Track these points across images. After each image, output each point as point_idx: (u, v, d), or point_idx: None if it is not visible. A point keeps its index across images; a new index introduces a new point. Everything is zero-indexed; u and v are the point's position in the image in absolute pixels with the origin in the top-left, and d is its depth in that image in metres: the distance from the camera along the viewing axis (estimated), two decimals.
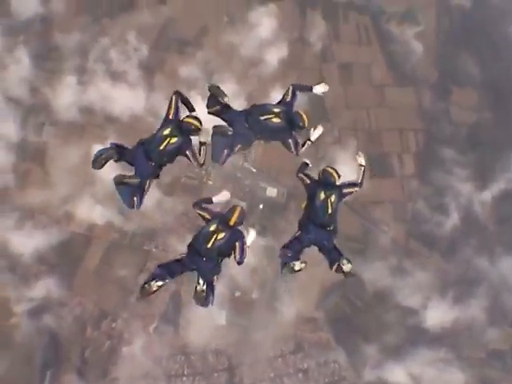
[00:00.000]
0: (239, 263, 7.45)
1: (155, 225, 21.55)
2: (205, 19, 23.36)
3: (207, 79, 22.34)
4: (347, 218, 22.15)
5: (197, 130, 7.51)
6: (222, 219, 7.34)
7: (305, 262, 7.49)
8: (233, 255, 7.49)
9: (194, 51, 23.16)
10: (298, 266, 7.43)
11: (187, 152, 7.55)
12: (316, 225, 7.70)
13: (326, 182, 7.68)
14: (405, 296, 21.63)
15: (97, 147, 20.54)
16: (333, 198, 7.66)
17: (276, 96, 22.13)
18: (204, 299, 7.52)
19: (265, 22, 23.26)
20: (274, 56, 23.09)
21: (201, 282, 7.52)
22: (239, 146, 7.73)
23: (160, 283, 7.49)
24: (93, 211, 21.50)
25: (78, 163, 21.49)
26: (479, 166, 22.46)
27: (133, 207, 7.46)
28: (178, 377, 21.43)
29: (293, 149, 7.82)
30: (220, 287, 21.17)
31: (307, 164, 8.19)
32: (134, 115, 22.38)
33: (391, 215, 22.42)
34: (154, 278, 7.54)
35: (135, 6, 23.13)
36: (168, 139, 7.43)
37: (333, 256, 7.71)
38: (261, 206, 22.48)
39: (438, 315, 21.23)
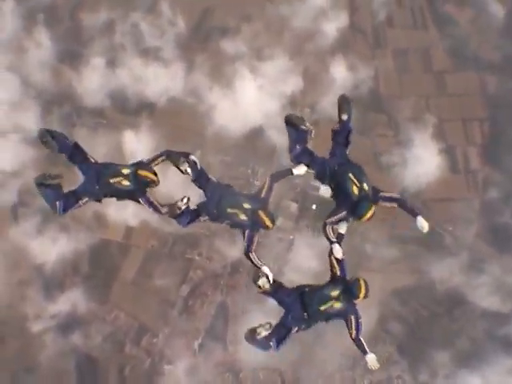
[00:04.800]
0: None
1: (198, 229, 19.12)
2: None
3: (255, 55, 20.15)
4: (407, 218, 19.99)
5: (153, 183, 7.17)
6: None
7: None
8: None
9: (239, 24, 20.98)
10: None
11: (140, 200, 7.31)
12: (301, 308, 7.10)
13: (349, 289, 6.91)
14: (481, 297, 19.57)
15: (129, 136, 18.45)
16: (338, 305, 6.96)
17: (335, 70, 20.35)
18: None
19: None
20: (332, 25, 21.02)
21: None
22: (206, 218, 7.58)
23: None
24: (125, 210, 19.15)
25: (108, 155, 19.01)
26: None
27: (55, 211, 7.30)
28: None
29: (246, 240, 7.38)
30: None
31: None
32: (171, 98, 20.28)
33: (457, 213, 20.26)
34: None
35: None
36: (121, 179, 7.15)
37: None
38: (314, 207, 20.23)
39: None
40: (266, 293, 7.38)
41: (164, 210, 7.44)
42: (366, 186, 7.18)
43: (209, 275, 19.99)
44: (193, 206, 7.50)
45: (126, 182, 7.13)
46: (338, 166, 7.41)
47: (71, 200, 7.33)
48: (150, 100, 20.22)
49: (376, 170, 20.06)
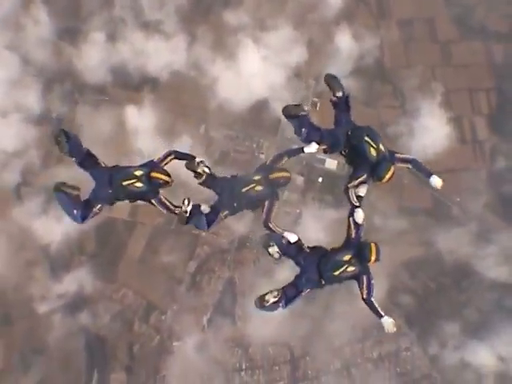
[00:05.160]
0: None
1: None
2: None
3: (258, 26, 19.74)
4: (416, 189, 19.84)
5: (166, 184, 7.05)
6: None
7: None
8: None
9: None
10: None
11: (152, 201, 7.20)
12: (317, 273, 7.08)
13: (361, 252, 6.87)
14: (489, 268, 19.44)
15: (131, 111, 18.13)
16: (351, 268, 6.90)
17: (340, 40, 19.89)
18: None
19: None
20: None
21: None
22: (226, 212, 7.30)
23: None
24: None
25: (111, 133, 19.14)
26: None
27: (74, 220, 7.02)
28: (235, 372, 19.52)
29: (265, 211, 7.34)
30: (283, 272, 19.12)
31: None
32: (174, 72, 19.90)
33: (464, 184, 20.07)
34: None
35: None
36: (134, 181, 7.05)
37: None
38: (320, 180, 20.05)
39: None
40: (285, 254, 7.28)
41: (177, 209, 7.20)
42: (382, 146, 7.01)
43: (216, 251, 19.87)
44: (206, 210, 7.36)
45: (139, 184, 7.02)
46: (352, 131, 7.22)
47: (87, 208, 7.09)
48: (152, 74, 19.89)
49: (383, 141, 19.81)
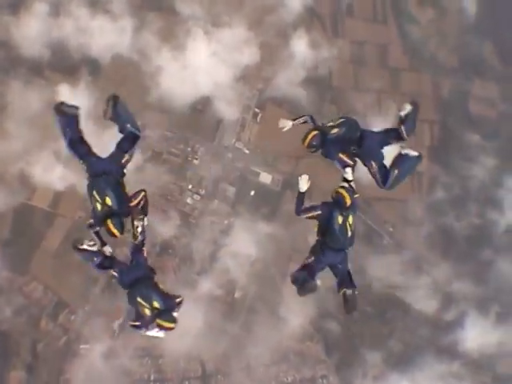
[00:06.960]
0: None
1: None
2: None
3: (211, 20, 19.17)
4: None
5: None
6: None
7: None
8: None
9: None
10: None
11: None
12: (335, 250, 6.54)
13: (339, 204, 6.39)
14: (416, 301, 19.35)
15: (63, 91, 16.89)
16: (350, 219, 6.44)
17: (295, 45, 19.49)
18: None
19: None
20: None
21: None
22: None
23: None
24: (53, 172, 17.83)
25: (40, 111, 17.82)
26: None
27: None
28: (142, 382, 18.54)
29: None
30: (205, 284, 18.22)
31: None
32: (116, 55, 18.97)
33: (399, 215, 19.87)
34: None
35: None
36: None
37: (343, 280, 6.48)
38: (252, 193, 19.43)
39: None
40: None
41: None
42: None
43: None
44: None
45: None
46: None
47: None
48: (92, 55, 18.85)
49: (322, 165, 19.44)
